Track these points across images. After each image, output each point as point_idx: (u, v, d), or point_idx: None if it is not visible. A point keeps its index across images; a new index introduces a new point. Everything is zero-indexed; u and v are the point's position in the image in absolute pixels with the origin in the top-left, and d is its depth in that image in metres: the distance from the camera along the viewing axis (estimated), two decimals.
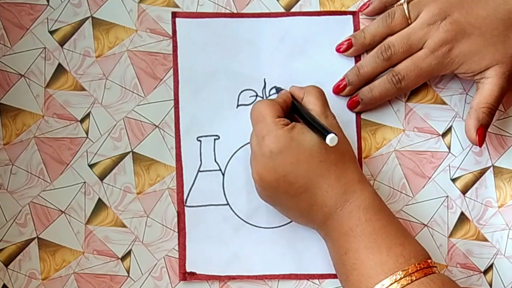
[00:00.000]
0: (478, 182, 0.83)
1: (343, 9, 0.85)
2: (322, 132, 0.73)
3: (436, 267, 0.74)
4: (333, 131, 0.72)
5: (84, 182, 0.82)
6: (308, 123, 0.76)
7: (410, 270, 0.72)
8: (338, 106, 0.83)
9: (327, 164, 0.75)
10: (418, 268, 0.72)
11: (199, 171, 0.83)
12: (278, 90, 0.82)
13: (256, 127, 0.77)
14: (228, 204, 0.82)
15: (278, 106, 0.77)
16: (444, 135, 0.84)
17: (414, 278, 0.71)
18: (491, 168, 0.83)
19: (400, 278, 0.71)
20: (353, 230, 0.74)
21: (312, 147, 0.74)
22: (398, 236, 0.74)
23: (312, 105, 0.77)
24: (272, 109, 0.77)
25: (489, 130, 0.82)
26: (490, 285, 0.82)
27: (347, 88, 0.83)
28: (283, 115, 0.77)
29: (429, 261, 0.73)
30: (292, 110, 0.79)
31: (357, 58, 0.84)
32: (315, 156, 0.74)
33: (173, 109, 0.83)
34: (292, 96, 0.79)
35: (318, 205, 0.75)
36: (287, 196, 0.76)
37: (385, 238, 0.73)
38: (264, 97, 0.83)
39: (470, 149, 0.83)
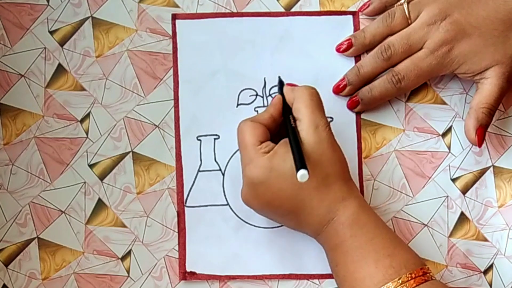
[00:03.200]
0: (478, 182, 0.83)
1: (343, 9, 0.85)
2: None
3: (430, 273, 0.74)
4: (305, 167, 0.69)
5: (84, 182, 0.82)
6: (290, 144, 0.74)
7: (401, 280, 0.72)
8: (338, 106, 0.83)
9: (308, 190, 0.74)
10: (410, 278, 0.72)
11: (199, 171, 0.83)
12: (280, 83, 0.81)
13: (240, 152, 0.77)
14: (228, 204, 0.82)
15: (262, 128, 0.76)
16: (444, 135, 0.84)
17: None
18: (491, 168, 0.83)
19: None
20: (340, 245, 0.74)
21: (292, 175, 0.72)
22: (386, 247, 0.74)
23: (301, 114, 0.75)
24: (254, 134, 0.75)
25: (489, 130, 0.82)
26: (490, 285, 0.82)
27: (347, 88, 0.83)
28: (267, 137, 0.76)
29: (421, 268, 0.73)
30: (284, 112, 0.78)
31: (357, 58, 0.84)
32: (295, 184, 0.73)
33: (173, 109, 0.83)
34: (284, 100, 0.78)
35: (305, 224, 0.76)
36: (276, 216, 0.77)
37: (372, 251, 0.73)
38: (264, 97, 0.83)
39: (470, 149, 0.83)
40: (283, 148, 0.74)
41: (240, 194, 0.77)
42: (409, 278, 0.72)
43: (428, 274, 0.73)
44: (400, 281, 0.72)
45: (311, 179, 0.73)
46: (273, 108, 0.78)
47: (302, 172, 0.69)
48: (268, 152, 0.75)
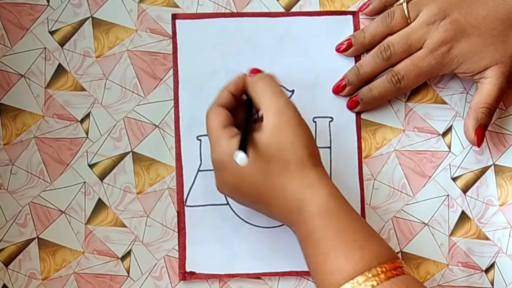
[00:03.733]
0: (479, 181, 0.83)
1: (343, 9, 0.85)
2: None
3: (403, 267, 0.71)
4: (244, 151, 0.69)
5: (84, 182, 0.82)
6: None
7: (371, 274, 0.69)
8: (338, 106, 0.83)
9: (270, 176, 0.73)
10: (380, 272, 0.70)
11: (199, 170, 0.82)
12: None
13: (208, 134, 0.77)
14: (228, 204, 0.82)
15: (225, 113, 0.76)
16: (444, 134, 0.84)
17: (375, 283, 0.69)
18: (492, 166, 0.83)
19: (362, 282, 0.69)
20: (309, 236, 0.72)
21: (253, 161, 0.72)
22: (357, 239, 0.71)
23: (260, 105, 0.75)
24: (216, 119, 0.75)
25: (489, 128, 0.82)
26: (492, 283, 0.82)
27: (347, 88, 0.83)
28: (230, 121, 0.76)
29: (394, 262, 0.71)
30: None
31: (357, 58, 0.84)
32: (256, 170, 0.73)
33: (173, 109, 0.83)
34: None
35: (275, 213, 0.75)
36: (251, 204, 0.77)
37: (342, 243, 0.71)
38: None
39: (471, 148, 0.83)
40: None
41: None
42: (380, 272, 0.69)
43: (400, 269, 0.71)
44: (370, 274, 0.69)
45: (270, 165, 0.73)
46: (232, 85, 0.78)
47: (237, 154, 0.69)
48: (232, 137, 0.74)
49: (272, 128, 0.73)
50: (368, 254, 0.70)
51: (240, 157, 0.69)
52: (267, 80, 0.77)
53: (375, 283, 0.69)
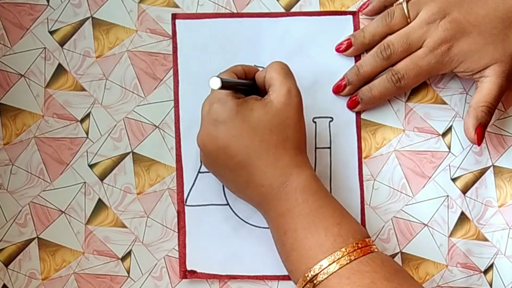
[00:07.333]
0: (478, 182, 0.83)
1: (343, 9, 0.85)
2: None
3: (375, 245, 0.74)
4: (220, 77, 0.72)
5: (84, 182, 0.82)
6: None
7: (348, 250, 0.71)
8: (338, 106, 0.83)
9: (267, 145, 0.74)
10: (356, 248, 0.72)
11: (199, 172, 0.83)
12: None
13: (211, 93, 0.77)
14: (228, 204, 0.82)
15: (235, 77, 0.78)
16: (444, 135, 0.84)
17: (353, 257, 0.71)
18: (491, 167, 0.83)
19: (339, 258, 0.71)
20: (291, 211, 0.74)
21: (256, 126, 0.74)
22: (336, 216, 0.74)
23: (273, 80, 0.77)
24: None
25: (489, 129, 0.82)
26: (490, 285, 0.82)
27: (347, 88, 0.83)
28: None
29: (367, 240, 0.73)
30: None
31: (357, 58, 0.84)
32: (257, 135, 0.74)
33: (173, 109, 0.83)
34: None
35: (255, 184, 0.75)
36: (226, 169, 0.76)
37: (323, 219, 0.73)
38: None
39: (470, 148, 0.83)
40: (253, 99, 0.76)
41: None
42: (356, 248, 0.72)
43: (373, 246, 0.73)
44: (347, 250, 0.71)
45: (272, 136, 0.74)
46: (237, 68, 0.79)
47: (214, 79, 0.71)
48: (238, 98, 0.76)
49: (282, 103, 0.75)
50: (345, 230, 0.73)
51: (214, 80, 0.71)
52: (286, 65, 0.78)
53: (352, 257, 0.71)
